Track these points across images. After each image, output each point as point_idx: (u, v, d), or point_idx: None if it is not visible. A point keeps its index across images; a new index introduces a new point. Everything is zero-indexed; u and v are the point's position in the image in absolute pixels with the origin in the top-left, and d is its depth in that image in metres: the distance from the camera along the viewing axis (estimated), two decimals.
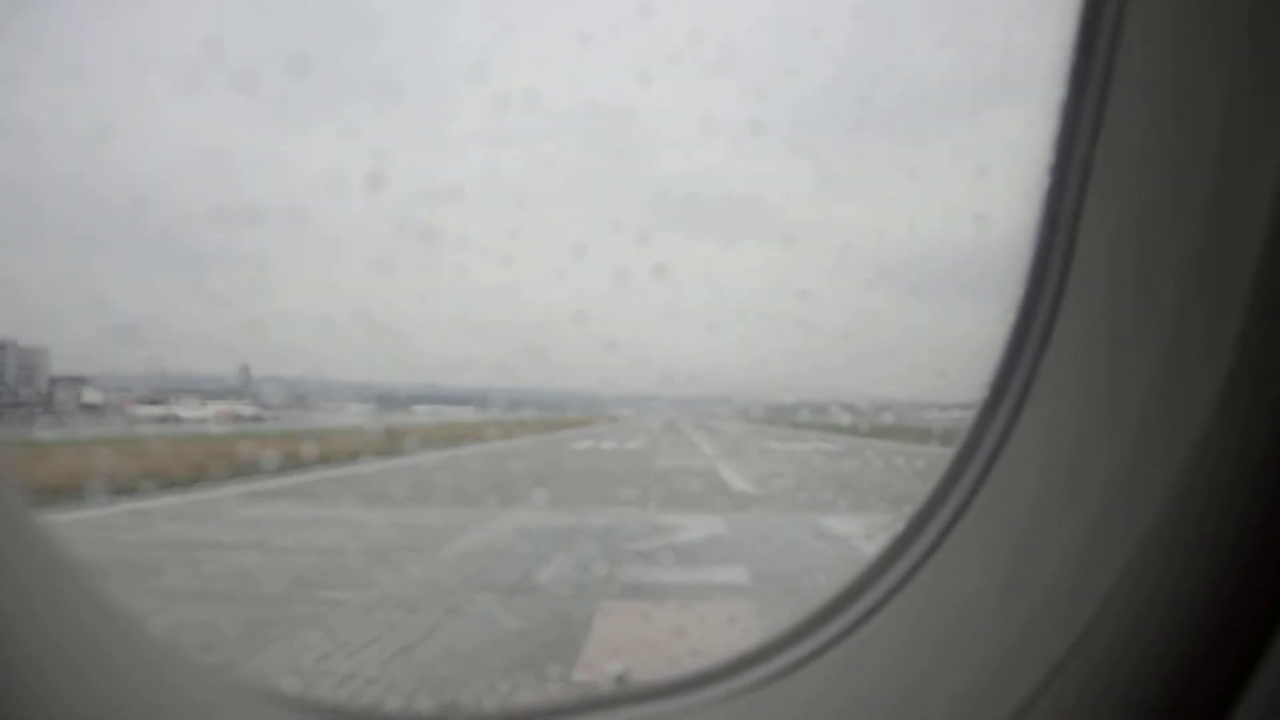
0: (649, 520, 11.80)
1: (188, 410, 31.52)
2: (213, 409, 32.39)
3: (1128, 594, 1.09)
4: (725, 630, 6.26)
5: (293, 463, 17.43)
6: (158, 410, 30.54)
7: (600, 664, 5.55)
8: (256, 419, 32.81)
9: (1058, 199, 1.32)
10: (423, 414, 42.41)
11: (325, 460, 18.66)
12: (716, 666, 1.63)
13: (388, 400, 43.43)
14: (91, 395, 31.23)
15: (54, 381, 30.30)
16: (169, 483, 13.56)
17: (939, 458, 1.61)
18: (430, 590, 7.77)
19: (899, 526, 1.61)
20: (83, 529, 10.08)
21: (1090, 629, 1.11)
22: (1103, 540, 1.14)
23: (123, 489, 12.78)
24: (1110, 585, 1.10)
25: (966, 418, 1.56)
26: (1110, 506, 1.15)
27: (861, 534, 10.27)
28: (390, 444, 23.26)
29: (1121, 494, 1.14)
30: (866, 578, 1.60)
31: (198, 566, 8.53)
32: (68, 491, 10.79)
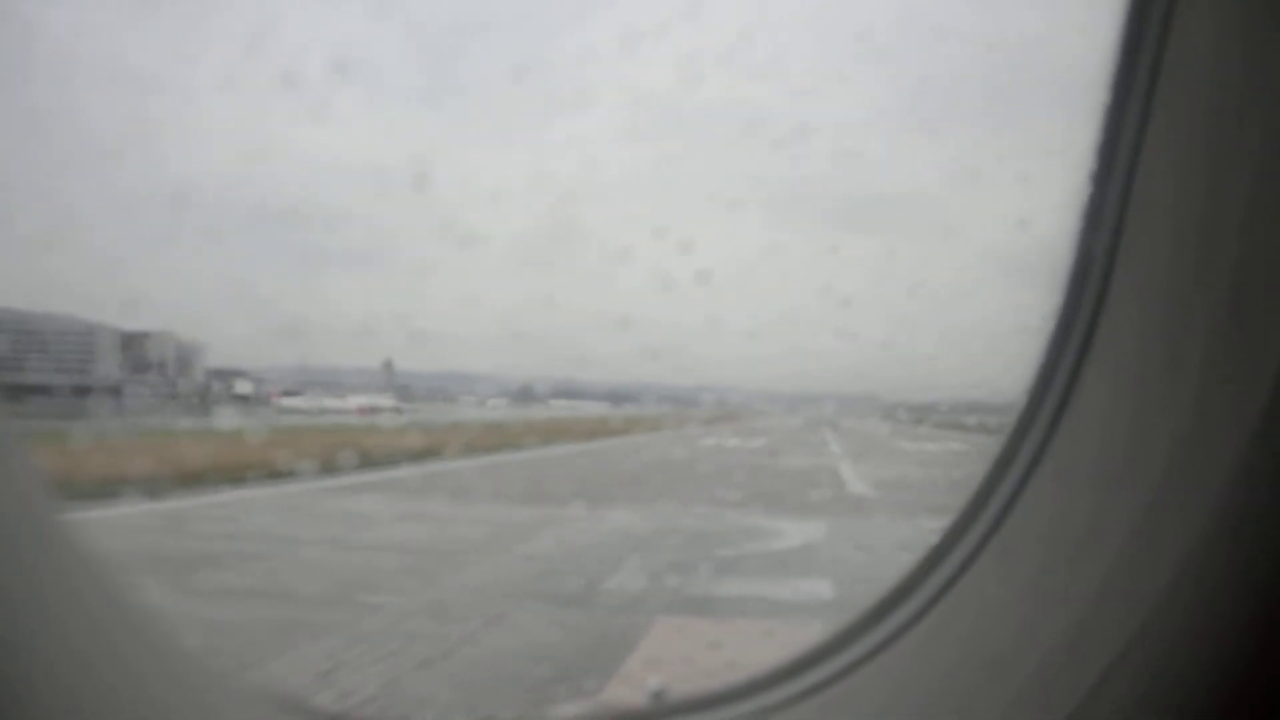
0: (746, 524, 10.99)
1: (330, 402, 32.75)
2: (354, 401, 33.54)
3: (1181, 594, 1.08)
4: (778, 654, 5.44)
5: (411, 456, 17.50)
6: (302, 402, 31.85)
7: (627, 695, 4.87)
8: (396, 411, 33.77)
9: (1099, 205, 1.31)
10: (558, 408, 42.77)
11: (441, 453, 18.75)
12: (754, 679, 1.60)
13: (526, 395, 44.11)
14: (243, 387, 32.88)
15: (210, 373, 32.16)
16: (281, 472, 13.73)
17: None
18: (481, 595, 7.29)
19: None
20: (173, 518, 10.26)
21: (1144, 630, 1.10)
22: (1154, 541, 1.13)
23: (237, 478, 12.99)
24: (1163, 585, 1.09)
25: None
26: (1159, 506, 1.13)
27: None
28: (515, 438, 23.31)
29: (1169, 495, 1.12)
30: (902, 589, 1.58)
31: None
32: (158, 482, 11.03)
